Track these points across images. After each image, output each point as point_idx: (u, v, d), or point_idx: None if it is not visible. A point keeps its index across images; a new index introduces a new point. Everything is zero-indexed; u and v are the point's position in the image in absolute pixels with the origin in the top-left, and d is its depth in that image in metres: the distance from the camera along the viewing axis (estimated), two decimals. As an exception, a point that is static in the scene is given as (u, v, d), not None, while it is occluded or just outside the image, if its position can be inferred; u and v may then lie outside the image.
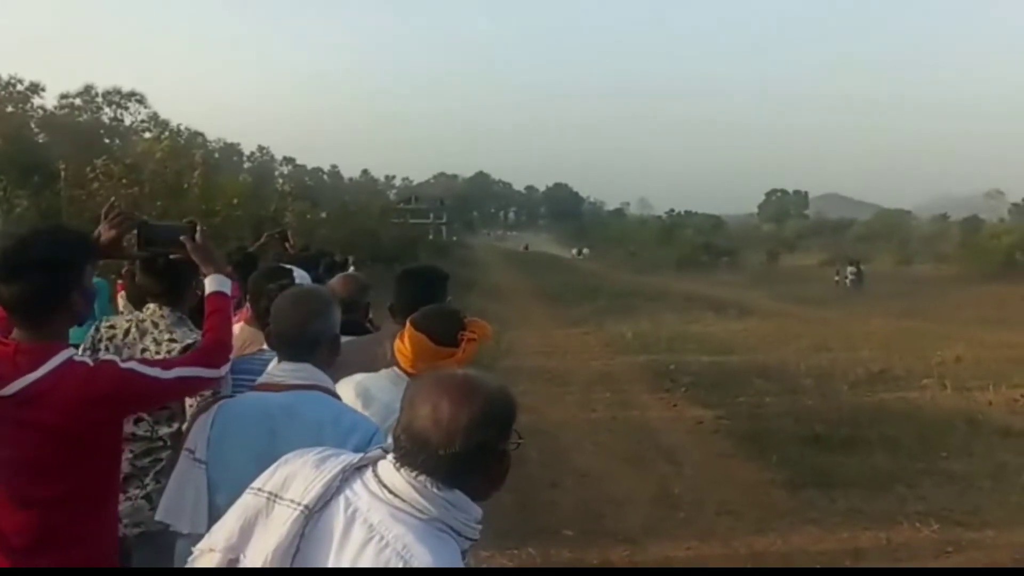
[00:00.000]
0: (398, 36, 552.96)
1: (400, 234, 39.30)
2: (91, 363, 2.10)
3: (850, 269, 40.94)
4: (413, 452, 1.40)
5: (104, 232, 2.42)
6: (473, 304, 22.78)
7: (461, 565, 1.38)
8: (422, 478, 1.40)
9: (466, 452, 1.39)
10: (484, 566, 4.75)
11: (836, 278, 41.19)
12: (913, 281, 40.10)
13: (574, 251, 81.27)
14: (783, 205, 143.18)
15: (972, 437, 7.99)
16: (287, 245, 6.14)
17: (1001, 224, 66.00)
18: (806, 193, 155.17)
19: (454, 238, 76.00)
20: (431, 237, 60.36)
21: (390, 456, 1.45)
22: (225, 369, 2.33)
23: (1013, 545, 5.26)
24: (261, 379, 2.24)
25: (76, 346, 2.39)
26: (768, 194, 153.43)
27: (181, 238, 2.46)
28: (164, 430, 2.75)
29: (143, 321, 2.83)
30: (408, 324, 2.51)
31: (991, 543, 5.33)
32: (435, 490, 1.39)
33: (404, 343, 2.48)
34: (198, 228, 2.48)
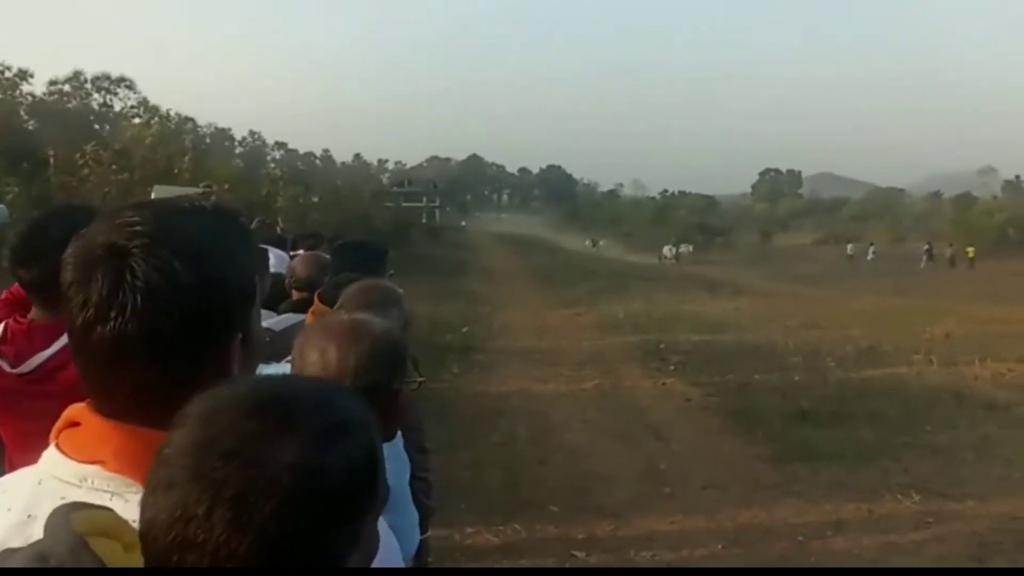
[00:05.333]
0: (390, 19, 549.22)
1: (393, 218, 39.22)
2: None
3: (872, 248, 44.13)
4: None
5: None
6: (466, 287, 22.83)
7: None
8: None
9: None
10: (469, 542, 4.82)
11: (849, 252, 44.62)
12: (906, 259, 40.32)
13: (587, 242, 66.93)
14: (777, 185, 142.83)
15: (957, 411, 8.08)
16: (278, 230, 6.45)
17: (994, 201, 66.34)
18: (799, 172, 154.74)
19: (462, 222, 75.52)
20: (424, 220, 60.29)
21: None
22: None
23: (992, 516, 5.33)
24: None
25: None
26: (762, 174, 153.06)
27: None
28: None
29: None
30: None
31: (971, 514, 5.40)
32: None
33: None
34: (213, 191, 2.53)
